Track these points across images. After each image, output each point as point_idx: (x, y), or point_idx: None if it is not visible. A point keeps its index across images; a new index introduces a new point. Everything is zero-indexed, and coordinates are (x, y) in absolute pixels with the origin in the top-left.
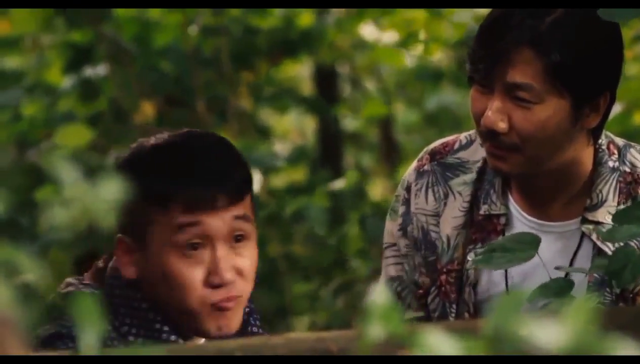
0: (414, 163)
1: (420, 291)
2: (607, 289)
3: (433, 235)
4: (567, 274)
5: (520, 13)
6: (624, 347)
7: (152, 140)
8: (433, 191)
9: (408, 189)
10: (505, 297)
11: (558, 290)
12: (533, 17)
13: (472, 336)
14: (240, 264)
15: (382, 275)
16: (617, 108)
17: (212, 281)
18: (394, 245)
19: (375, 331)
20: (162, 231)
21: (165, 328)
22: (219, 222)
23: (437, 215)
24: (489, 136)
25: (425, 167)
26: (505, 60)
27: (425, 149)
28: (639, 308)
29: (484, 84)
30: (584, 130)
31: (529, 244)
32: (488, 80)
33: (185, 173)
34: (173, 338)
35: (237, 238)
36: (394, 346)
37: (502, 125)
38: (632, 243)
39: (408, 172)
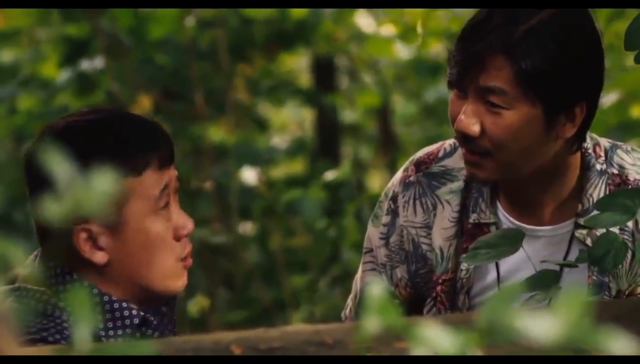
0: (400, 174)
1: (396, 301)
2: (606, 292)
3: (424, 247)
4: (560, 274)
5: (497, 19)
6: (618, 339)
7: (81, 117)
8: (421, 202)
9: (394, 199)
10: (499, 291)
11: (544, 282)
12: (509, 24)
13: (467, 328)
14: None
15: (359, 278)
16: (614, 98)
17: (181, 234)
18: (373, 250)
19: (372, 324)
20: (141, 200)
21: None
22: (174, 177)
23: (427, 227)
24: (463, 140)
25: (411, 178)
26: (480, 64)
27: (410, 159)
28: (633, 301)
29: (461, 88)
30: (560, 139)
31: (513, 239)
32: (463, 84)
33: (145, 137)
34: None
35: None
36: (391, 339)
37: (475, 129)
38: (614, 230)
39: (394, 182)
